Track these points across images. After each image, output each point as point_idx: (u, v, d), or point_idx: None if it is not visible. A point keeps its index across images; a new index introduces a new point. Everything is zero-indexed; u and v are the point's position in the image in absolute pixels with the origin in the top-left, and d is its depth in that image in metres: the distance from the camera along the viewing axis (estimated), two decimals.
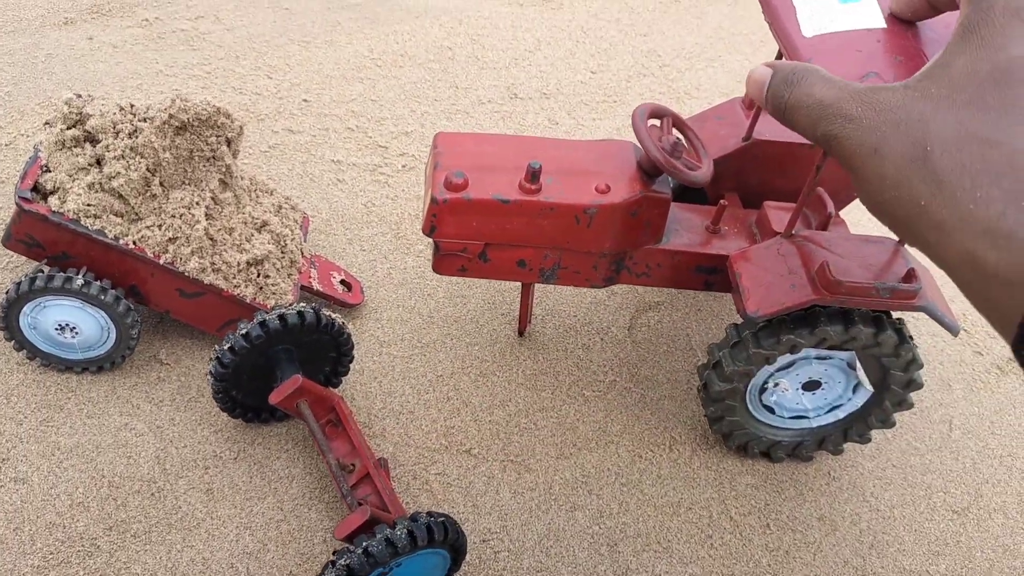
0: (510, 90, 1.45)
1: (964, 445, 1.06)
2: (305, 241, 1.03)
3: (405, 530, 0.71)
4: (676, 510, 0.93)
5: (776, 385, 0.91)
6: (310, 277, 1.00)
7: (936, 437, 1.06)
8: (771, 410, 0.93)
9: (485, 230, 0.83)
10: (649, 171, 0.85)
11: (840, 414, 0.94)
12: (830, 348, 0.86)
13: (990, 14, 0.43)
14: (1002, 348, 1.19)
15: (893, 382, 0.88)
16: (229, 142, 0.93)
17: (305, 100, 1.33)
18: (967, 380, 1.14)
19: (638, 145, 0.86)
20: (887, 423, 0.93)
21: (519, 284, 1.06)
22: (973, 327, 1.21)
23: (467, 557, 0.84)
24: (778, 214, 0.91)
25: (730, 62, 1.64)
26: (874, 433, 1.04)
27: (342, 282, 1.04)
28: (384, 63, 1.45)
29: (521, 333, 1.05)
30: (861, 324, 0.82)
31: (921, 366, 0.87)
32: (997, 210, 0.39)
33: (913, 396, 0.92)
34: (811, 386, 0.91)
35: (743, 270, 0.85)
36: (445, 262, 0.87)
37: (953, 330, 0.83)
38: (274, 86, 1.35)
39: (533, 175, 0.81)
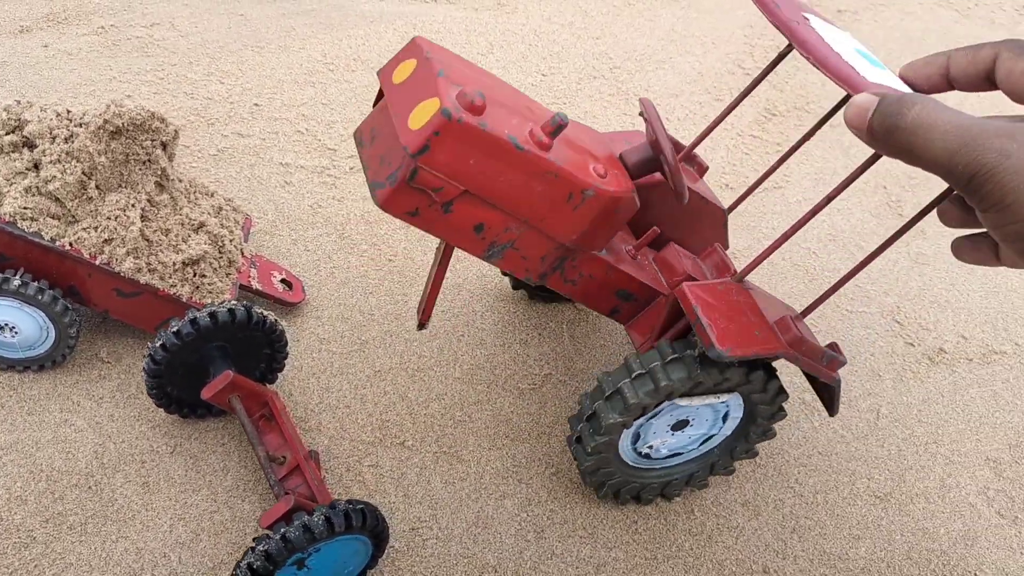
0: None
1: (890, 433, 1.10)
2: (246, 242, 1.06)
3: (322, 517, 0.73)
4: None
5: (650, 431, 0.87)
6: (249, 276, 1.02)
7: (863, 426, 1.09)
8: (647, 456, 0.91)
9: (475, 173, 0.68)
10: (632, 170, 0.80)
11: (713, 443, 0.92)
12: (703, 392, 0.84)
13: None
14: (933, 339, 1.22)
15: (759, 414, 0.88)
16: (164, 146, 0.95)
17: (256, 104, 1.36)
18: (897, 370, 1.17)
19: (627, 141, 0.84)
20: (751, 453, 0.94)
21: (444, 276, 1.09)
22: (906, 319, 1.24)
23: (396, 544, 0.87)
24: (680, 258, 0.90)
25: (680, 64, 1.67)
26: (802, 422, 1.08)
27: (283, 281, 1.07)
28: (337, 67, 1.47)
29: (422, 326, 0.86)
30: (736, 366, 0.81)
31: (787, 397, 0.86)
32: None
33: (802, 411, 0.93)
34: (680, 426, 0.88)
35: (702, 304, 0.79)
36: (402, 197, 0.68)
37: (832, 410, 0.89)
38: (226, 91, 1.37)
39: (556, 129, 0.69)
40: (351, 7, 1.63)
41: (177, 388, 0.90)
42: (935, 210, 0.72)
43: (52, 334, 0.92)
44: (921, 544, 0.99)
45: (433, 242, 1.20)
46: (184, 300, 0.94)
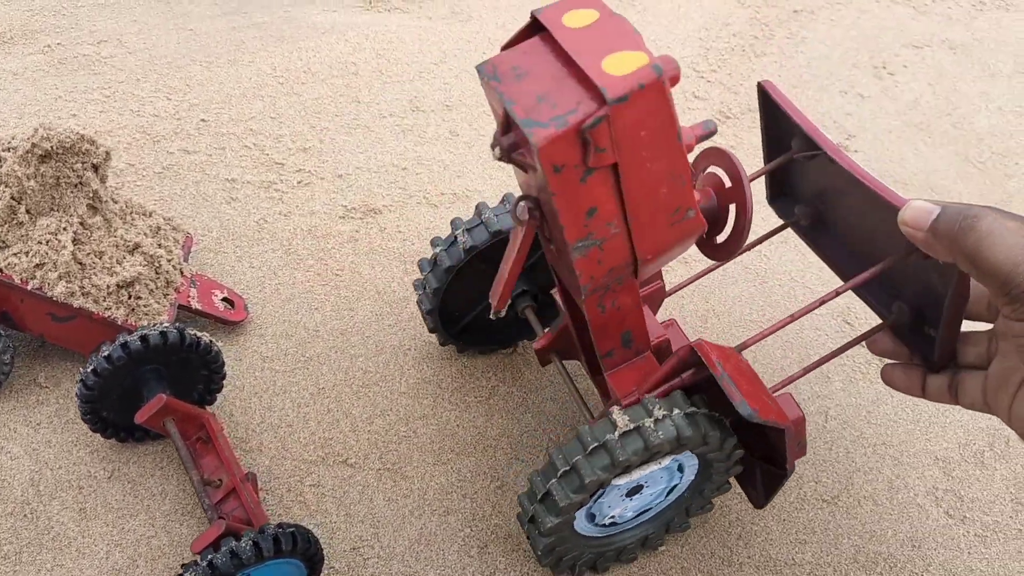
0: (412, 103, 1.48)
1: (839, 435, 1.10)
2: (187, 261, 1.05)
3: (250, 542, 0.73)
4: None
5: (604, 505, 0.82)
6: (189, 296, 1.02)
7: (811, 428, 1.09)
8: (609, 525, 0.86)
9: (638, 147, 0.62)
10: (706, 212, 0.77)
11: (677, 494, 0.88)
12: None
13: None
14: None
15: (715, 471, 0.84)
16: (96, 168, 0.95)
17: (203, 120, 1.35)
18: (847, 372, 1.17)
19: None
20: (706, 508, 0.92)
21: (407, 292, 1.10)
22: (857, 320, 1.24)
23: (336, 565, 0.87)
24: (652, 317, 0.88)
25: None
26: None
27: (224, 299, 1.06)
28: (287, 80, 1.47)
29: (497, 313, 0.78)
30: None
31: (743, 451, 0.83)
32: None
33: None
34: (634, 491, 0.82)
35: (723, 361, 0.75)
36: (564, 145, 0.59)
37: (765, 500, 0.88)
38: (173, 107, 1.37)
39: (707, 135, 0.68)
40: (302, 19, 1.62)
41: (112, 412, 0.90)
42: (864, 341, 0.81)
43: None
44: (868, 547, 0.99)
45: (383, 255, 1.20)
46: (119, 323, 0.93)
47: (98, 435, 0.93)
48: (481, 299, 0.98)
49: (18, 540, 0.84)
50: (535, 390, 1.07)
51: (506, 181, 1.36)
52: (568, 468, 0.74)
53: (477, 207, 0.92)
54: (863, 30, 1.96)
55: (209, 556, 0.72)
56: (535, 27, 0.65)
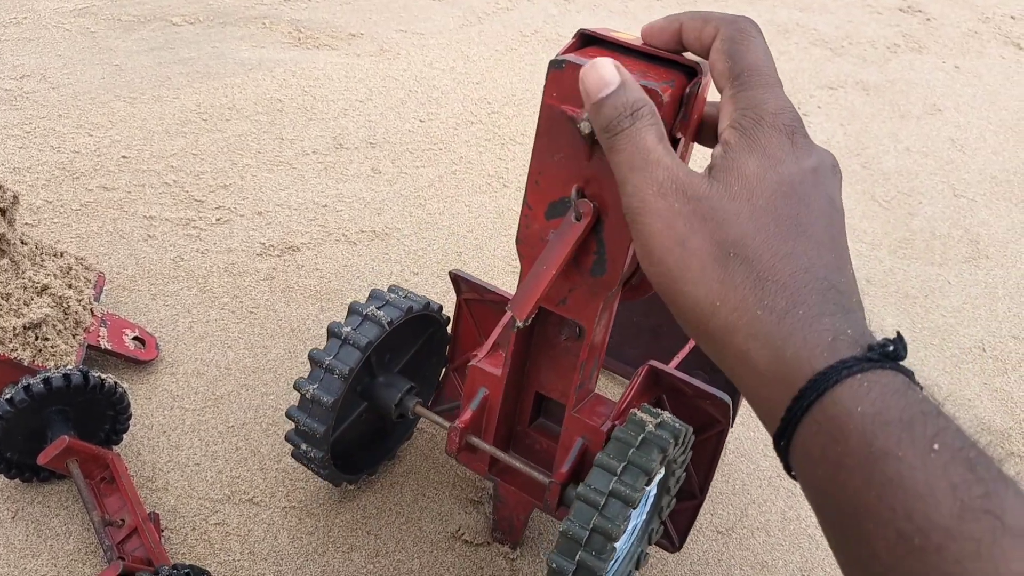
0: (336, 140, 1.51)
1: (736, 468, 1.15)
2: (98, 300, 1.06)
3: None
4: (452, 544, 0.98)
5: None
6: (99, 336, 1.03)
7: None
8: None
9: None
10: None
11: (638, 528, 0.87)
12: None
13: (760, 124, 0.47)
14: None
15: (671, 479, 0.85)
16: (3, 212, 0.96)
17: (124, 156, 1.37)
18: (744, 408, 1.22)
19: None
20: (659, 531, 0.91)
21: (321, 330, 1.11)
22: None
23: None
24: None
25: None
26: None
27: (135, 338, 1.07)
28: (210, 116, 1.49)
29: (526, 323, 0.70)
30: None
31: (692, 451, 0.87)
32: (779, 313, 0.43)
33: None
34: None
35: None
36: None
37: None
38: (94, 143, 1.38)
39: None
40: (230, 55, 1.64)
41: (16, 453, 0.90)
42: None
43: None
44: None
45: (299, 292, 1.22)
46: (26, 364, 0.94)
47: (1, 476, 0.93)
48: (360, 419, 0.95)
49: None
50: (438, 431, 1.10)
51: (424, 219, 1.40)
52: (616, 483, 0.72)
53: (329, 333, 0.87)
54: (781, 71, 2.04)
55: None
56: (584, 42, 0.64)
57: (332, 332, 0.85)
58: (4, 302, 0.94)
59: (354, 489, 1.01)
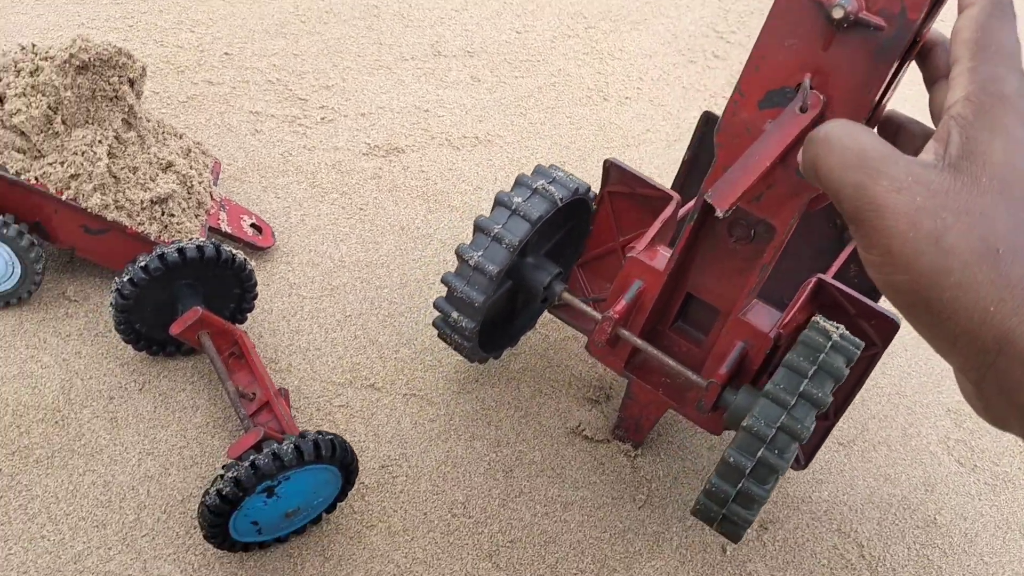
0: (434, 48, 1.48)
1: None
2: (215, 185, 1.05)
3: (292, 445, 0.74)
4: (572, 439, 0.97)
5: None
6: (219, 219, 1.02)
7: None
8: None
9: None
10: None
11: None
12: None
13: (1004, 103, 0.40)
14: None
15: None
16: (132, 83, 0.94)
17: (227, 53, 1.35)
18: None
19: None
20: None
21: (429, 230, 1.09)
22: None
23: (366, 480, 0.88)
24: None
25: (655, 25, 1.68)
26: None
27: (253, 225, 1.06)
28: (308, 19, 1.46)
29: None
30: None
31: None
32: None
33: None
34: None
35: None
36: None
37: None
38: (196, 39, 1.36)
39: None
40: None
41: (146, 325, 0.90)
42: None
43: (17, 270, 0.91)
44: (883, 489, 1.01)
45: (405, 193, 1.20)
46: (152, 239, 0.93)
47: (129, 348, 0.93)
48: (498, 300, 0.92)
49: (49, 445, 0.84)
50: (557, 328, 1.08)
51: (526, 128, 1.37)
52: (807, 385, 0.70)
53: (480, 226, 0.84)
54: None
55: (252, 456, 0.72)
56: None
57: (500, 202, 0.83)
58: (132, 175, 0.93)
59: (472, 381, 1.00)
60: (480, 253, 0.83)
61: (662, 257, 0.84)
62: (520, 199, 0.84)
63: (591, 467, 0.95)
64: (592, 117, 1.43)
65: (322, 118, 1.28)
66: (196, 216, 0.98)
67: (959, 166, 0.39)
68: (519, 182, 0.86)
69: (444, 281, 0.85)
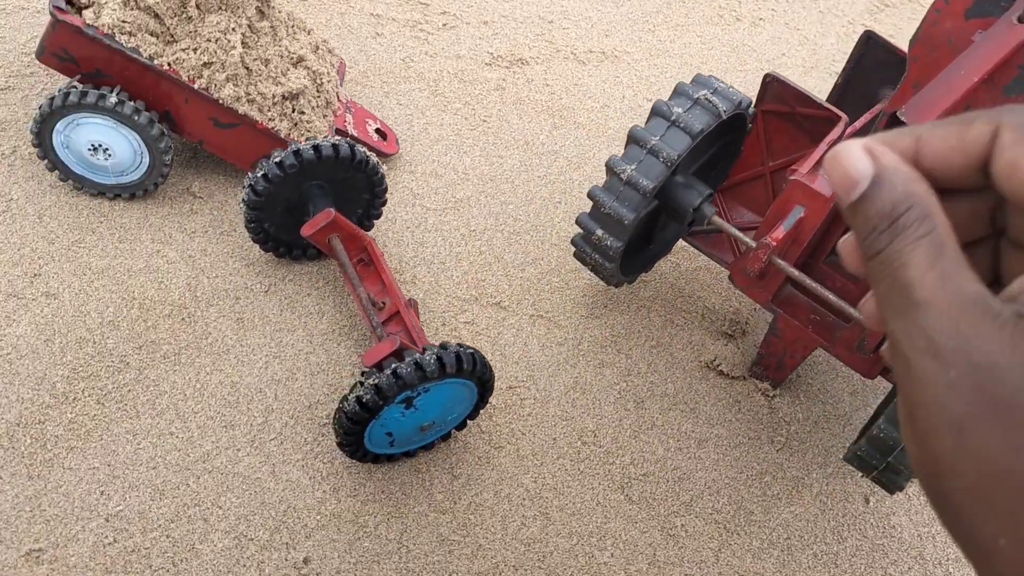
0: None
1: None
2: (341, 86, 1.00)
3: (435, 356, 0.70)
4: (705, 374, 0.92)
5: None
6: (345, 121, 0.97)
7: None
8: None
9: None
10: None
11: None
12: None
13: None
14: None
15: None
16: None
17: None
18: None
19: None
20: None
21: (555, 146, 1.03)
22: None
23: (494, 401, 0.84)
24: None
25: None
26: None
27: (377, 131, 1.02)
28: None
29: None
30: None
31: None
32: None
33: None
34: None
35: None
36: None
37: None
38: None
39: None
40: None
41: (274, 225, 0.86)
42: None
43: (146, 160, 0.88)
44: None
45: (530, 106, 1.14)
46: (282, 136, 0.89)
47: (254, 249, 0.90)
48: (640, 221, 0.85)
49: (176, 341, 0.82)
50: (689, 257, 1.02)
51: (655, 45, 1.29)
52: None
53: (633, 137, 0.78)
54: None
55: (394, 365, 0.69)
56: None
57: (659, 111, 0.77)
58: (263, 67, 0.89)
59: (600, 307, 0.95)
60: (633, 167, 0.77)
61: (824, 182, 0.77)
62: (680, 109, 0.77)
63: (726, 404, 0.90)
64: (724, 37, 1.34)
65: (444, 24, 1.22)
66: (324, 116, 0.94)
67: (1016, 321, 0.27)
68: (679, 91, 0.79)
69: (591, 196, 0.79)
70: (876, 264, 0.30)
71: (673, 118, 0.77)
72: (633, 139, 0.78)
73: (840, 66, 1.24)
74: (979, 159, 0.30)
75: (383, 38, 1.17)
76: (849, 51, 0.93)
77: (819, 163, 0.81)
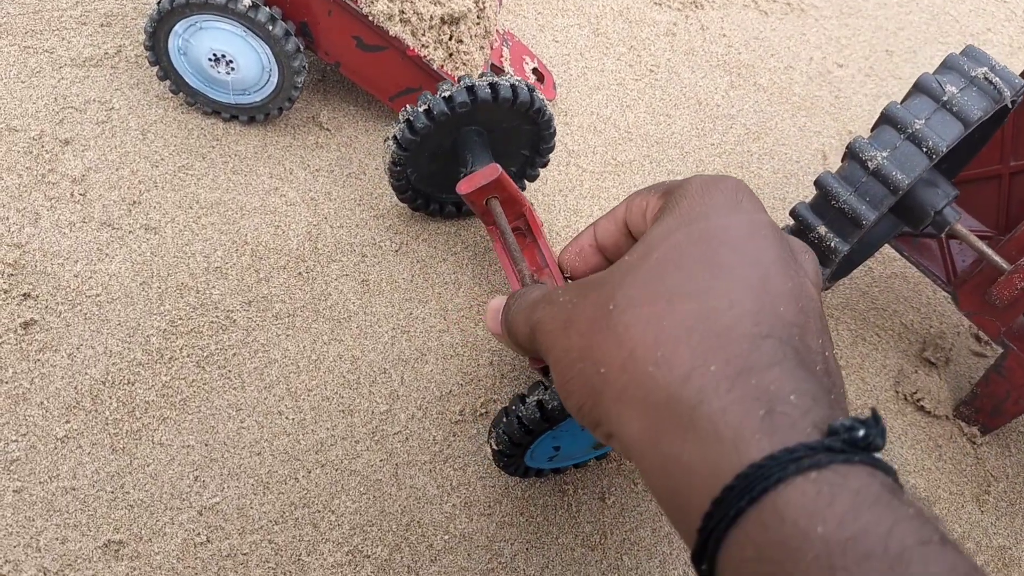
0: None
1: None
2: (499, 12, 0.85)
3: None
4: (902, 407, 0.77)
5: None
6: (501, 56, 0.82)
7: None
8: None
9: None
10: None
11: None
12: None
13: (688, 190, 0.39)
14: None
15: None
16: None
17: None
18: None
19: None
20: None
21: (732, 110, 0.87)
22: None
23: None
24: None
25: None
26: None
27: (534, 70, 0.86)
28: None
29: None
30: None
31: None
32: (681, 373, 0.31)
33: None
34: None
35: None
36: None
37: None
38: None
39: None
40: None
41: (417, 174, 0.72)
42: None
43: (274, 79, 0.74)
44: None
45: (704, 59, 0.98)
46: (434, 68, 0.74)
47: (384, 199, 0.76)
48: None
49: (291, 300, 0.69)
50: (883, 262, 0.86)
51: (847, 2, 1.11)
52: None
53: None
54: None
55: None
56: None
57: (926, 88, 0.61)
58: None
59: None
60: (886, 154, 0.61)
61: None
62: (954, 88, 0.61)
63: (925, 448, 0.75)
64: (923, 2, 1.15)
65: None
66: (481, 48, 0.79)
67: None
68: (950, 65, 0.63)
69: (821, 184, 0.64)
70: (515, 311, 0.46)
71: (945, 99, 0.60)
72: (889, 119, 0.62)
73: None
74: (622, 222, 0.46)
75: None
76: None
77: None
